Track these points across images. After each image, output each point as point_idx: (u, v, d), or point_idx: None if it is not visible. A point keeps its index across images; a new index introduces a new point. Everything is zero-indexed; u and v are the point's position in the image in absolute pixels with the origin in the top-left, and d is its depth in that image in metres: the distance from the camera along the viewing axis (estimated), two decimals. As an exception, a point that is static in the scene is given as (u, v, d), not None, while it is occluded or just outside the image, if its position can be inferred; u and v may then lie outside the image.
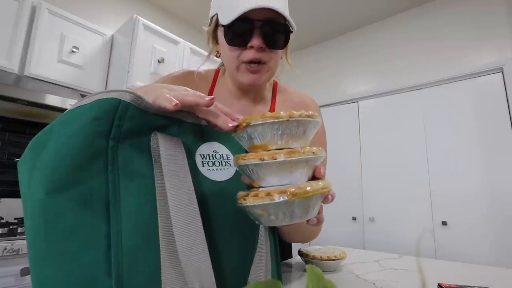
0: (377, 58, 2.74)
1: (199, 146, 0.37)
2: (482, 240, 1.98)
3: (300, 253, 0.73)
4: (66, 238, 0.27)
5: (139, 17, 1.93)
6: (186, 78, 0.71)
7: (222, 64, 0.75)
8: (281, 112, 0.31)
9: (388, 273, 0.66)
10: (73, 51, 1.77)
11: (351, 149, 2.74)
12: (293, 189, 0.29)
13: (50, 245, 0.27)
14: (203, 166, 0.37)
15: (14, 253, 1.10)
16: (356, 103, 2.82)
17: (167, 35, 2.10)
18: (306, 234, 0.63)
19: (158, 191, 0.31)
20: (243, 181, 0.37)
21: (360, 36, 2.90)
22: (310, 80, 3.17)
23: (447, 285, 0.52)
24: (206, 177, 0.37)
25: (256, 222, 0.34)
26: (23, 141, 1.77)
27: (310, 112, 0.33)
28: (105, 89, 1.91)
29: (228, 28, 0.56)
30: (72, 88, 1.77)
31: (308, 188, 0.30)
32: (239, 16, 0.53)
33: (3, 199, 1.62)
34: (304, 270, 0.70)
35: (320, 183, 0.32)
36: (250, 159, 0.31)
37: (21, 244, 1.13)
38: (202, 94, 0.34)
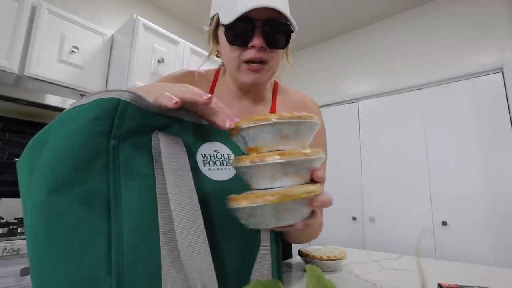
0: (377, 58, 2.74)
1: (201, 145, 0.38)
2: (482, 240, 1.98)
3: (300, 253, 0.73)
4: (66, 237, 0.27)
5: (139, 17, 1.93)
6: (186, 78, 0.71)
7: (222, 64, 0.75)
8: (272, 114, 0.31)
9: (388, 273, 0.66)
10: (73, 51, 1.77)
11: (351, 149, 2.74)
12: (269, 196, 0.29)
13: (51, 244, 0.27)
14: (204, 165, 0.37)
15: (14, 253, 1.10)
16: (356, 103, 2.82)
17: (167, 35, 2.10)
18: (305, 235, 0.62)
19: (158, 190, 0.31)
20: (244, 181, 0.37)
21: (360, 36, 2.90)
22: (311, 80, 3.17)
23: (447, 285, 0.52)
24: (207, 176, 0.37)
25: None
26: (23, 141, 1.77)
27: (304, 113, 0.32)
28: (105, 89, 1.91)
29: (229, 27, 0.56)
30: (72, 88, 1.77)
31: (289, 193, 0.29)
32: (240, 16, 0.53)
33: (3, 199, 1.62)
34: (304, 270, 0.70)
35: (303, 188, 0.30)
36: (244, 161, 0.31)
37: (21, 244, 1.13)
38: (201, 92, 0.33)
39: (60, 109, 1.58)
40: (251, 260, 0.38)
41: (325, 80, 3.08)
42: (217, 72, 0.74)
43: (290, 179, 0.31)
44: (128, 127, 0.31)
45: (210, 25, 0.64)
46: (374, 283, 0.58)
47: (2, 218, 1.54)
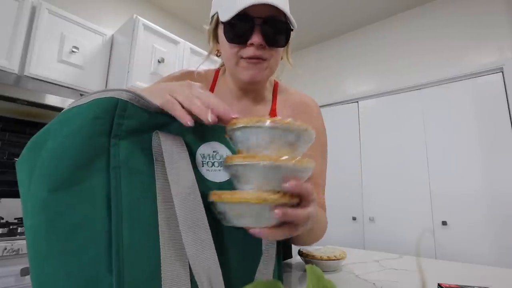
0: (377, 58, 2.74)
1: (200, 145, 0.38)
2: (482, 240, 1.98)
3: (300, 253, 0.73)
4: (67, 236, 0.27)
5: (139, 17, 1.93)
6: (185, 78, 0.71)
7: (222, 64, 0.75)
8: (263, 119, 0.30)
9: (388, 273, 0.66)
10: (73, 51, 1.77)
11: (351, 149, 2.74)
12: (225, 195, 0.30)
13: (51, 243, 0.27)
14: (202, 166, 0.37)
15: (14, 253, 1.10)
16: (356, 103, 2.82)
17: (167, 35, 2.10)
18: (303, 238, 0.60)
19: (158, 189, 0.32)
20: None
21: (360, 36, 2.90)
22: (311, 80, 3.17)
23: (447, 285, 0.52)
24: (205, 177, 0.37)
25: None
26: (23, 141, 1.77)
27: (289, 120, 0.29)
28: (104, 89, 1.91)
29: (228, 25, 0.56)
30: (72, 88, 1.77)
31: (243, 195, 0.29)
32: (239, 13, 0.53)
33: (3, 199, 1.62)
34: (304, 270, 0.70)
35: (257, 193, 0.29)
36: (226, 161, 0.32)
37: (21, 244, 1.13)
38: (206, 107, 0.33)
39: (60, 109, 1.58)
40: (254, 259, 0.38)
41: (325, 80, 3.08)
42: (217, 72, 0.74)
43: (252, 184, 0.31)
44: (128, 126, 0.31)
45: (210, 24, 0.64)
46: (374, 283, 0.58)
47: (2, 218, 1.54)
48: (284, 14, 0.55)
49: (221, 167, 0.38)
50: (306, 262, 0.71)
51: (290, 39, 0.63)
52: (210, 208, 0.34)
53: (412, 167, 2.35)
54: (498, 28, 2.14)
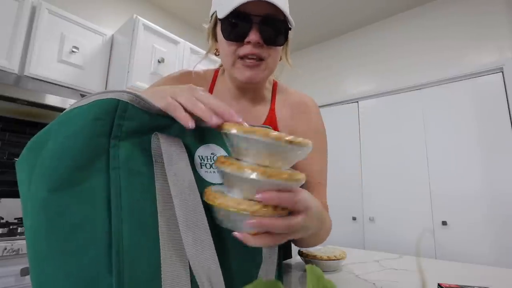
0: (377, 58, 2.74)
1: (198, 147, 0.38)
2: (482, 240, 1.98)
3: (300, 253, 0.73)
4: (67, 236, 0.27)
5: (139, 17, 1.93)
6: (185, 78, 0.71)
7: (221, 64, 0.75)
8: (246, 125, 0.30)
9: (388, 273, 0.66)
10: (73, 51, 1.77)
11: (351, 149, 2.74)
12: (210, 195, 0.31)
13: (51, 244, 0.27)
14: (201, 168, 0.37)
15: (14, 253, 1.10)
16: (356, 103, 2.82)
17: (167, 35, 2.10)
18: (307, 241, 0.59)
19: (158, 190, 0.32)
20: None
21: (360, 36, 2.90)
22: (311, 80, 3.17)
23: (447, 285, 0.52)
24: (203, 179, 0.37)
25: None
26: (23, 141, 1.77)
27: (283, 137, 0.28)
28: (105, 89, 1.92)
29: (225, 22, 0.56)
30: (72, 88, 1.77)
31: (218, 200, 0.30)
32: (237, 11, 0.53)
33: (3, 199, 1.62)
34: (304, 270, 0.70)
35: (233, 201, 0.29)
36: (221, 166, 0.32)
37: (21, 244, 1.13)
38: (211, 111, 0.33)
39: (60, 109, 1.58)
40: (254, 259, 0.38)
41: (325, 80, 3.08)
42: (216, 72, 0.74)
43: (237, 191, 0.31)
44: (128, 127, 0.31)
45: (210, 22, 0.64)
46: (374, 283, 0.58)
47: (2, 218, 1.54)
48: (283, 13, 0.55)
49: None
50: (306, 262, 0.71)
51: (289, 38, 0.63)
52: (209, 209, 0.35)
53: (412, 167, 2.35)
54: (498, 28, 2.14)
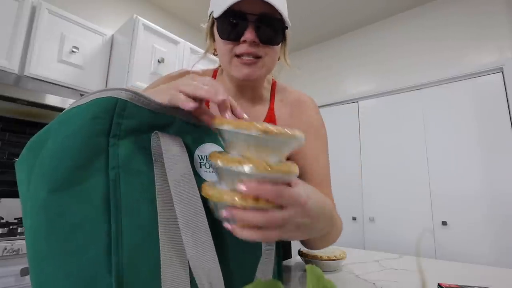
0: (377, 58, 2.74)
1: (198, 147, 0.38)
2: (482, 240, 1.97)
3: (300, 253, 0.73)
4: (67, 236, 0.27)
5: (139, 17, 1.93)
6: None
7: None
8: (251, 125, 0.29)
9: (388, 273, 0.66)
10: (73, 51, 1.77)
11: (351, 149, 2.74)
12: (203, 186, 0.32)
13: (51, 244, 0.27)
14: (200, 167, 0.37)
15: (14, 253, 1.10)
16: (356, 103, 2.82)
17: (167, 35, 2.10)
18: (312, 242, 0.58)
19: (158, 190, 0.32)
20: None
21: (360, 36, 2.90)
22: (311, 80, 3.17)
23: (447, 285, 0.52)
24: (203, 178, 0.37)
25: None
26: (23, 141, 1.77)
27: (262, 125, 0.28)
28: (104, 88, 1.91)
29: (221, 21, 0.56)
30: (72, 88, 1.77)
31: (205, 190, 0.31)
32: (232, 10, 0.53)
33: (3, 199, 1.62)
34: (304, 270, 0.70)
35: (212, 190, 0.30)
36: (212, 159, 0.32)
37: (21, 244, 1.13)
38: (215, 90, 0.33)
39: (60, 109, 1.58)
40: (253, 259, 0.38)
41: (325, 80, 3.08)
42: (215, 71, 0.74)
43: (223, 184, 0.31)
44: (127, 126, 0.31)
45: (208, 22, 0.64)
46: (374, 283, 0.58)
47: (2, 218, 1.54)
48: (279, 12, 0.54)
49: None
50: (306, 262, 0.71)
51: (286, 38, 0.62)
52: (209, 209, 0.35)
53: (412, 167, 2.35)
54: (498, 28, 2.14)
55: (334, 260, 0.67)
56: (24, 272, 1.11)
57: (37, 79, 1.63)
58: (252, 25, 0.54)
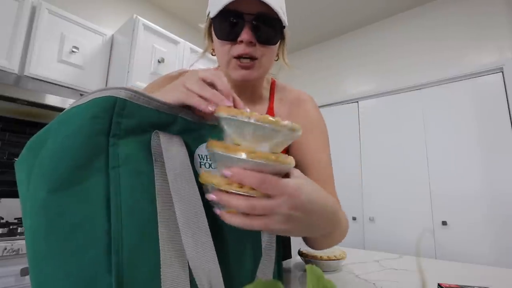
0: (377, 58, 2.74)
1: (199, 146, 0.37)
2: (482, 240, 1.97)
3: (300, 253, 0.73)
4: (66, 236, 0.27)
5: (139, 17, 1.93)
6: None
7: None
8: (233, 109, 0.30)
9: (388, 273, 0.66)
10: (73, 51, 1.77)
11: (351, 149, 2.74)
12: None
13: (51, 244, 0.27)
14: (200, 166, 0.37)
15: (14, 253, 1.10)
16: (356, 103, 2.82)
17: (167, 35, 2.10)
18: (317, 241, 0.56)
19: (158, 189, 0.32)
20: None
21: (360, 36, 2.90)
22: (311, 80, 3.17)
23: (447, 285, 0.52)
24: None
25: None
26: (23, 141, 1.77)
27: (269, 118, 0.28)
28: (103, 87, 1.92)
29: (217, 21, 0.55)
30: (72, 88, 1.77)
31: (202, 176, 0.32)
32: (229, 9, 0.52)
33: (3, 199, 1.62)
34: (304, 270, 0.70)
35: (205, 176, 0.31)
36: (208, 146, 0.33)
37: (21, 244, 1.13)
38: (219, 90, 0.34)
39: (60, 109, 1.58)
40: (253, 259, 0.38)
41: (325, 80, 3.08)
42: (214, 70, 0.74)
43: (217, 170, 0.33)
44: (127, 125, 0.31)
45: (206, 22, 0.63)
46: (374, 283, 0.58)
47: (2, 218, 1.54)
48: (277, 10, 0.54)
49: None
50: (306, 262, 0.71)
51: (284, 37, 0.62)
52: (209, 209, 0.34)
53: (412, 167, 2.35)
54: (498, 28, 2.14)
55: (334, 260, 0.67)
56: (24, 272, 1.11)
57: (37, 79, 1.63)
58: (248, 25, 0.54)
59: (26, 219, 0.29)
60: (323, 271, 0.39)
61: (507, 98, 2.04)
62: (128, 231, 0.29)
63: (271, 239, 0.39)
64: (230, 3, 0.52)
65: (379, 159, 2.55)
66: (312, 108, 0.71)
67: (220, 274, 0.30)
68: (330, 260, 0.67)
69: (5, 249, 1.08)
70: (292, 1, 2.51)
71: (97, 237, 0.28)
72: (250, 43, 0.55)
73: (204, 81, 0.36)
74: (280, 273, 0.44)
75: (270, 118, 0.28)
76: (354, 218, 2.60)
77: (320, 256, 0.67)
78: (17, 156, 1.74)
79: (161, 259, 0.29)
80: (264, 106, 0.70)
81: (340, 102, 2.93)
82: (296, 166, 0.61)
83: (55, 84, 1.70)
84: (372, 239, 2.46)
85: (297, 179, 0.31)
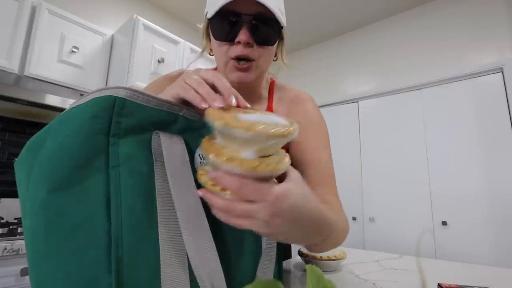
0: (377, 58, 2.74)
1: (199, 146, 0.37)
2: (482, 240, 1.97)
3: (300, 253, 0.73)
4: (66, 236, 0.27)
5: (139, 17, 1.93)
6: None
7: None
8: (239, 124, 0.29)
9: (388, 273, 0.66)
10: (73, 51, 1.77)
11: (351, 149, 2.74)
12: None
13: (50, 244, 0.27)
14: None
15: (14, 253, 1.10)
16: (356, 103, 2.82)
17: (167, 35, 2.10)
18: (317, 245, 0.53)
19: (158, 189, 0.31)
20: None
21: (360, 36, 2.90)
22: (311, 80, 3.17)
23: (447, 285, 0.52)
24: None
25: None
26: (23, 141, 1.77)
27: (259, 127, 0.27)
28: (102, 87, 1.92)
29: (214, 21, 0.55)
30: (72, 88, 1.77)
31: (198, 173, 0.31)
32: (226, 10, 0.52)
33: (3, 199, 1.62)
34: (304, 270, 0.69)
35: (204, 177, 0.30)
36: (202, 147, 0.33)
37: (21, 244, 1.13)
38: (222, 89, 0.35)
39: (60, 109, 1.58)
40: (254, 259, 0.38)
41: (325, 80, 3.08)
42: (214, 71, 0.74)
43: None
44: (127, 124, 0.31)
45: (204, 22, 0.63)
46: (374, 283, 0.58)
47: (2, 218, 1.54)
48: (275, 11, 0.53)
49: None
50: (306, 262, 0.71)
51: (283, 37, 0.62)
52: (210, 209, 0.34)
53: (412, 167, 2.35)
54: (498, 28, 2.14)
55: (334, 260, 0.67)
56: (24, 272, 1.11)
57: (37, 79, 1.63)
58: (245, 25, 0.53)
59: (25, 219, 0.29)
60: (323, 271, 0.38)
61: (507, 98, 2.04)
62: (128, 231, 0.29)
63: (271, 239, 0.39)
64: (227, 4, 0.51)
65: (379, 159, 2.55)
66: (311, 107, 0.70)
67: (222, 274, 0.30)
68: (330, 260, 0.67)
69: (5, 249, 1.08)
70: (292, 1, 2.51)
71: (97, 237, 0.28)
72: (247, 44, 0.55)
73: (205, 81, 0.36)
74: (280, 273, 0.44)
75: (259, 127, 0.27)
76: (354, 218, 2.60)
77: (320, 256, 0.67)
78: (17, 156, 1.73)
79: (161, 259, 0.29)
80: (263, 106, 0.70)
81: (340, 102, 2.93)
82: (296, 165, 0.61)
83: (55, 84, 1.70)
84: (372, 239, 2.46)
85: (286, 184, 0.29)
